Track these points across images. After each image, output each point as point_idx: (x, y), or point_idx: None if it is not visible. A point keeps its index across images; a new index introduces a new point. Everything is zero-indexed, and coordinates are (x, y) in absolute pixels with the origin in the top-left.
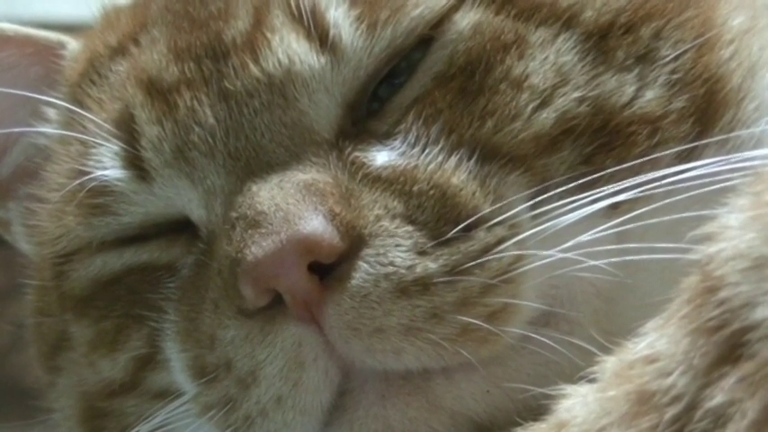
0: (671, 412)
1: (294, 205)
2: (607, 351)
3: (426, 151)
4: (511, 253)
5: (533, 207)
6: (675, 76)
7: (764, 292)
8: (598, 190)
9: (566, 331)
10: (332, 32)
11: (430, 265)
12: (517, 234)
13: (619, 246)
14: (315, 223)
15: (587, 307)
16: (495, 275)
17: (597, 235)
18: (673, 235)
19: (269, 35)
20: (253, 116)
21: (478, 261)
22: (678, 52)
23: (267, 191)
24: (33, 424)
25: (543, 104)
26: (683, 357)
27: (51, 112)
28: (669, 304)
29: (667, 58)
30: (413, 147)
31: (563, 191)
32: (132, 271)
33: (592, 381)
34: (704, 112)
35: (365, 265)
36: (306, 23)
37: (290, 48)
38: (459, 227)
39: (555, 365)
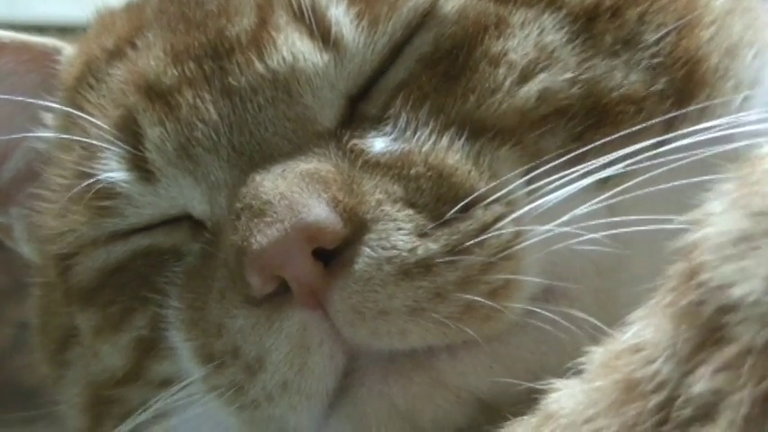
0: (655, 400)
1: (298, 193)
2: (609, 325)
3: (418, 134)
4: (509, 230)
5: (528, 183)
6: (656, 60)
7: (742, 268)
8: (588, 163)
9: (567, 306)
10: (334, 30)
11: (431, 246)
12: (514, 211)
13: (611, 219)
14: (318, 210)
15: (586, 281)
16: (495, 253)
17: (591, 208)
18: (662, 206)
19: (274, 33)
20: (257, 111)
21: (478, 240)
22: (659, 35)
23: (271, 181)
24: (34, 426)
25: (523, 79)
26: (667, 344)
27: (49, 118)
28: (655, 291)
29: (649, 42)
30: (404, 131)
31: (555, 166)
32: (137, 256)
33: (579, 372)
34: (682, 92)
35: (368, 249)
36: (308, 22)
37: (294, 46)
38: (457, 207)
39: (557, 341)
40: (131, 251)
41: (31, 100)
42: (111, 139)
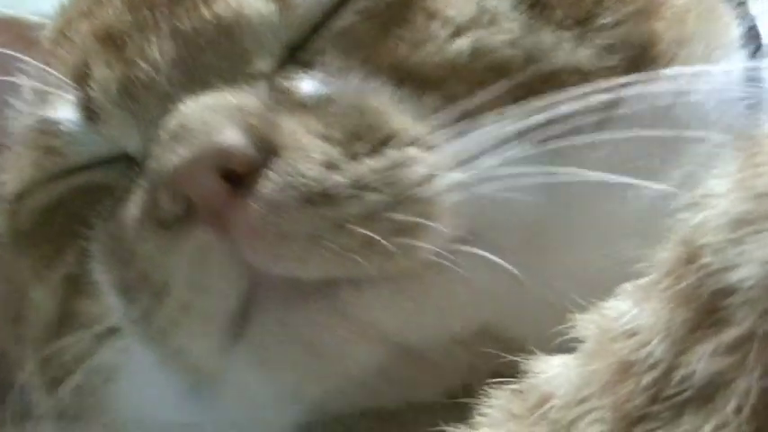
0: (647, 378)
1: (217, 120)
2: (537, 276)
3: (347, 78)
4: (421, 171)
5: (454, 131)
6: (609, 42)
7: (742, 252)
8: (515, 110)
9: (487, 251)
10: None
11: (337, 178)
12: (430, 153)
13: (537, 169)
14: (230, 134)
15: (511, 230)
16: (403, 192)
17: (517, 156)
18: (600, 164)
19: None
20: (197, 52)
21: (386, 177)
22: (616, 20)
23: (194, 110)
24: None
25: (458, 33)
26: (662, 326)
27: (25, 81)
28: (649, 269)
29: (605, 25)
30: (335, 76)
31: (484, 116)
32: (74, 194)
33: (566, 346)
34: (629, 70)
35: (275, 174)
36: None
37: None
38: (372, 144)
39: (473, 285)
40: (68, 189)
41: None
42: (64, 84)
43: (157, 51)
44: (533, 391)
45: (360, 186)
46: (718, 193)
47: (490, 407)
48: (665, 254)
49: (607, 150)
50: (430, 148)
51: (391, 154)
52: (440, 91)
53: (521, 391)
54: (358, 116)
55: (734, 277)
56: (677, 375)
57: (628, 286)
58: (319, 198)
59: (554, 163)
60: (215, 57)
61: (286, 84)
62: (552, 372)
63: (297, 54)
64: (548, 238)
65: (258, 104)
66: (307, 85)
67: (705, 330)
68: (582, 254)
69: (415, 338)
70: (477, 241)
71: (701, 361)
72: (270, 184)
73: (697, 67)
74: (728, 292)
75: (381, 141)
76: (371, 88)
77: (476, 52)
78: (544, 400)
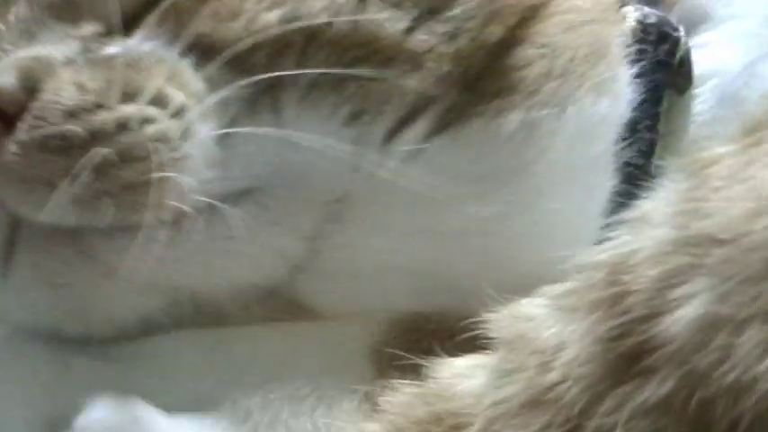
0: (560, 417)
1: (6, 67)
2: (323, 245)
3: (148, 45)
4: (157, 129)
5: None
6: (453, 32)
7: (669, 302)
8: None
9: (253, 211)
10: None
11: (74, 128)
12: (179, 113)
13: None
14: (6, 76)
15: (291, 193)
16: (130, 148)
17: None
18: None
19: None
20: (41, 15)
21: (119, 133)
22: (467, 16)
23: (7, 61)
24: None
25: (270, 9)
26: (577, 366)
27: None
28: (567, 274)
29: (454, 18)
30: (142, 43)
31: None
32: None
33: (477, 344)
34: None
35: (29, 116)
36: None
37: None
38: (120, 99)
39: (232, 240)
40: None
41: None
42: None
43: (12, 14)
44: (442, 404)
45: (93, 138)
46: (652, 222)
47: (390, 402)
48: (587, 262)
49: (429, 158)
50: (182, 108)
51: (128, 109)
52: (231, 59)
53: (425, 395)
54: (124, 73)
55: (658, 330)
56: (592, 423)
57: (545, 289)
58: (57, 145)
59: (367, 149)
60: (53, 19)
61: (97, 45)
62: (463, 384)
63: (128, 23)
64: (352, 215)
65: (53, 57)
66: (113, 49)
67: (625, 382)
68: (385, 243)
69: (187, 287)
70: (243, 200)
71: (620, 414)
72: (23, 126)
73: (555, 107)
74: (652, 345)
75: (130, 98)
76: (161, 52)
77: (285, 21)
78: (461, 425)
